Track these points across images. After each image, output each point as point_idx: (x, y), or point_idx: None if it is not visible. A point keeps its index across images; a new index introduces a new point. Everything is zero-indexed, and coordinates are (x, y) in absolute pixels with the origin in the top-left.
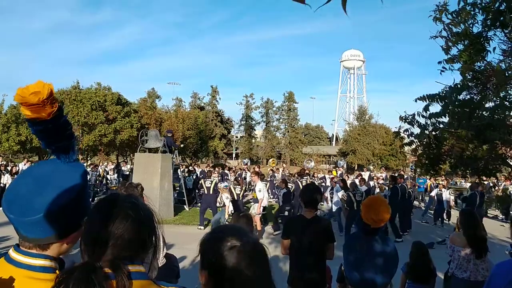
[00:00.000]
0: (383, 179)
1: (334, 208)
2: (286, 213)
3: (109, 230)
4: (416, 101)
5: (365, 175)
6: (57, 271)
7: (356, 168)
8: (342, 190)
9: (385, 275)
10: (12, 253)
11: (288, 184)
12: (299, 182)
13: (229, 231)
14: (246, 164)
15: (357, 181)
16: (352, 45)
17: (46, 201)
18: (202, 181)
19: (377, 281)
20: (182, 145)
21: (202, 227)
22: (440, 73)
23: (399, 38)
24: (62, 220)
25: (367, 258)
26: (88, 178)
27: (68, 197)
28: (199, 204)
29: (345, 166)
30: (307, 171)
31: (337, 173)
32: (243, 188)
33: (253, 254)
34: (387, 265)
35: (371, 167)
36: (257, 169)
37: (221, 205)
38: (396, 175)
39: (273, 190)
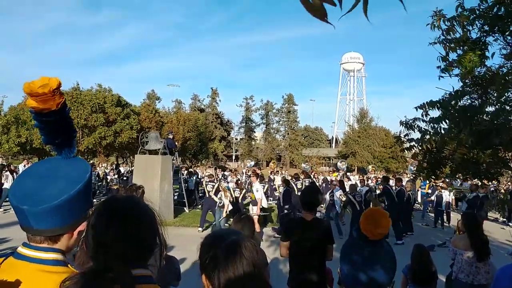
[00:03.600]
0: (376, 180)
1: (338, 209)
2: (285, 211)
3: (112, 233)
4: (416, 109)
5: (354, 178)
6: (68, 265)
7: (356, 170)
8: (340, 190)
9: (384, 281)
10: (22, 250)
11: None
12: (295, 185)
13: (220, 233)
14: (252, 166)
15: (358, 182)
16: (352, 47)
17: (58, 191)
18: (204, 183)
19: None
20: (180, 146)
21: (201, 229)
22: (439, 79)
23: (399, 40)
24: (72, 209)
25: (366, 266)
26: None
27: (77, 187)
28: (200, 206)
29: (345, 168)
30: (307, 173)
31: (337, 175)
32: (243, 191)
33: (240, 251)
34: (386, 271)
35: (370, 168)
36: (258, 171)
37: (221, 204)
38: (390, 176)
39: (273, 192)
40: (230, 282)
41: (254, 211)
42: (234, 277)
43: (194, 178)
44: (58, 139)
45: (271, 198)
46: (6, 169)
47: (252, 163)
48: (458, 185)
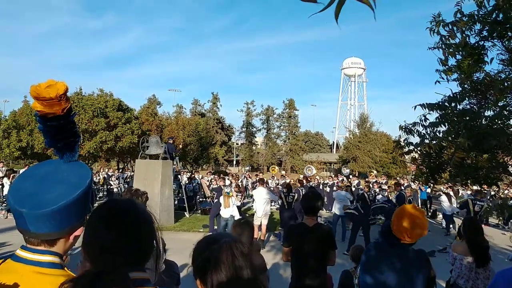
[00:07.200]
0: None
1: (338, 212)
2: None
3: (110, 235)
4: (415, 108)
5: (354, 182)
6: (65, 268)
7: (357, 175)
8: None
9: None
10: (20, 252)
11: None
12: (300, 191)
13: (212, 237)
14: (247, 172)
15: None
16: (353, 52)
17: (57, 195)
18: (222, 186)
19: None
20: (180, 147)
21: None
22: (435, 83)
23: (400, 45)
24: (70, 215)
25: (399, 276)
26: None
27: (77, 192)
28: (199, 210)
29: (348, 173)
30: (309, 179)
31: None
32: (243, 195)
33: (232, 253)
34: (420, 281)
35: (375, 172)
36: (261, 176)
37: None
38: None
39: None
40: (223, 285)
41: (258, 215)
42: (226, 280)
43: (194, 183)
44: (61, 143)
45: (273, 203)
46: (13, 174)
47: (247, 168)
48: (471, 194)
